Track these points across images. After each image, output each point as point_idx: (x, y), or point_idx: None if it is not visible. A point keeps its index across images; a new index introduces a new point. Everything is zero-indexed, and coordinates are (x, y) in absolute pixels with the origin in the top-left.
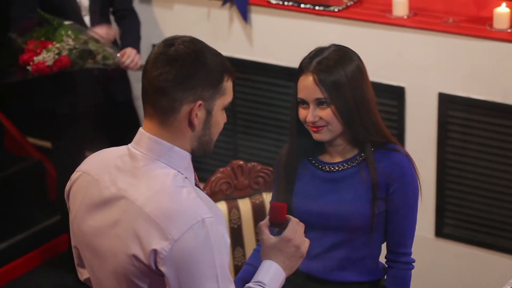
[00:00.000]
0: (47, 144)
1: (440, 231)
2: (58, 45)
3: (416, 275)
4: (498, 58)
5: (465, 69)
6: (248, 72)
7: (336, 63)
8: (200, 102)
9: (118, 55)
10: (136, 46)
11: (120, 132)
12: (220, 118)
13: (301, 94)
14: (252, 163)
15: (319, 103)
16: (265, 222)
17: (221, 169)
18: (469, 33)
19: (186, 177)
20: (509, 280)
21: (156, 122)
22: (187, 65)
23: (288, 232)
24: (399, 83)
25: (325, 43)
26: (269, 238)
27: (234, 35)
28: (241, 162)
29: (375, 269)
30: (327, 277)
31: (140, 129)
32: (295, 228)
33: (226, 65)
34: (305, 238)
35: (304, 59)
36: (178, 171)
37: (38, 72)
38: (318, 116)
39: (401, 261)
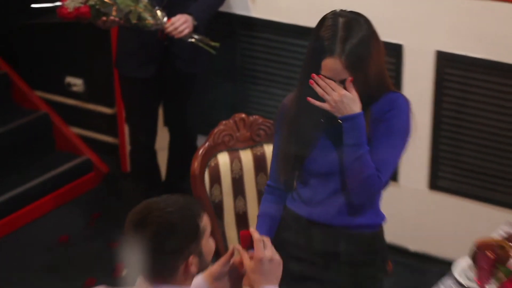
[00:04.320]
0: (53, 97)
1: (434, 184)
2: None
3: (410, 225)
4: (495, 17)
5: (462, 28)
6: (250, 29)
7: (361, 44)
8: (191, 257)
9: (165, 20)
10: (196, 14)
11: (176, 105)
12: (210, 246)
13: (327, 73)
14: (254, 116)
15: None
16: (242, 250)
17: (223, 122)
18: None
19: None
20: (497, 228)
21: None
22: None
23: (257, 253)
24: (397, 41)
25: (320, 0)
26: (249, 262)
27: None
28: (243, 115)
29: (375, 213)
30: (328, 222)
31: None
32: (260, 246)
33: (197, 220)
34: (271, 245)
35: (324, 38)
36: None
37: (60, 15)
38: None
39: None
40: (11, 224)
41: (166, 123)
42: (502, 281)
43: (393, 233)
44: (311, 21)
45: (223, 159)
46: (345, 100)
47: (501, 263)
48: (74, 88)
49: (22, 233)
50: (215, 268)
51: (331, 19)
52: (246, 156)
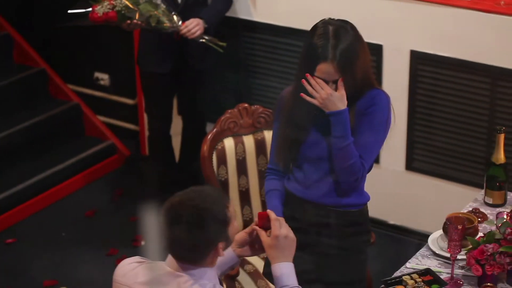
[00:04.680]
0: (83, 90)
1: (410, 166)
2: (113, 2)
3: (390, 202)
4: (460, 22)
5: (433, 30)
6: (252, 31)
7: (349, 49)
8: (220, 244)
9: (180, 23)
10: (206, 18)
11: (188, 97)
12: (235, 229)
13: (321, 75)
14: (256, 106)
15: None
16: (260, 229)
17: (229, 110)
18: (436, 1)
19: None
20: (466, 205)
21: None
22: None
23: (273, 230)
24: (377, 42)
25: (314, 6)
26: (266, 239)
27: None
28: (246, 105)
29: (360, 194)
30: (319, 201)
31: None
32: (276, 225)
33: (225, 211)
34: (286, 224)
35: (318, 46)
36: None
37: (92, 19)
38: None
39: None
40: (46, 199)
41: (180, 112)
42: (470, 250)
43: (375, 209)
44: (304, 24)
45: (228, 143)
46: (331, 98)
47: (470, 235)
48: (101, 82)
49: (55, 207)
50: (239, 236)
51: (322, 28)
52: (249, 141)
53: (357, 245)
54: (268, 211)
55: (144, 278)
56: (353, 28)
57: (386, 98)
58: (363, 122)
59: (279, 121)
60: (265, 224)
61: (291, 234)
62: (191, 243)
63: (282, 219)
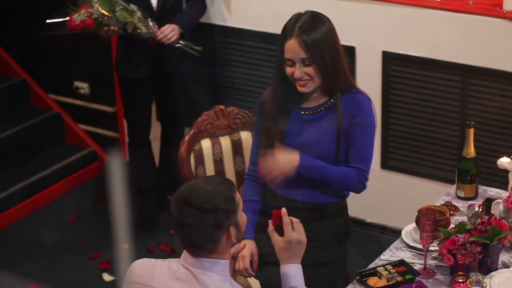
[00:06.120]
0: (64, 99)
1: (385, 164)
2: (90, 10)
3: (366, 201)
4: (430, 22)
5: (404, 31)
6: (226, 36)
7: (314, 27)
8: (231, 228)
9: (156, 29)
10: (181, 24)
11: (167, 101)
12: (243, 218)
13: (288, 55)
14: (231, 108)
15: (304, 62)
16: (271, 228)
17: (206, 112)
18: (406, 2)
19: None
20: (439, 199)
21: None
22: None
23: (286, 235)
24: (350, 44)
25: (287, 10)
26: (278, 240)
27: (216, 4)
28: (222, 107)
29: (340, 192)
30: (301, 199)
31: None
32: (289, 229)
33: (232, 194)
34: (300, 226)
35: (287, 25)
36: None
37: (69, 27)
38: (304, 72)
39: (357, 167)
40: (29, 206)
41: (159, 117)
42: (442, 241)
43: (352, 208)
44: (278, 29)
45: (205, 144)
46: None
47: (442, 227)
48: (81, 91)
49: (38, 214)
50: None
51: (296, 15)
52: (225, 141)
53: (337, 237)
54: (283, 210)
55: (161, 276)
56: (326, 17)
57: (369, 102)
58: (355, 133)
59: (263, 123)
60: (279, 222)
61: (303, 238)
62: (202, 227)
63: (297, 222)
